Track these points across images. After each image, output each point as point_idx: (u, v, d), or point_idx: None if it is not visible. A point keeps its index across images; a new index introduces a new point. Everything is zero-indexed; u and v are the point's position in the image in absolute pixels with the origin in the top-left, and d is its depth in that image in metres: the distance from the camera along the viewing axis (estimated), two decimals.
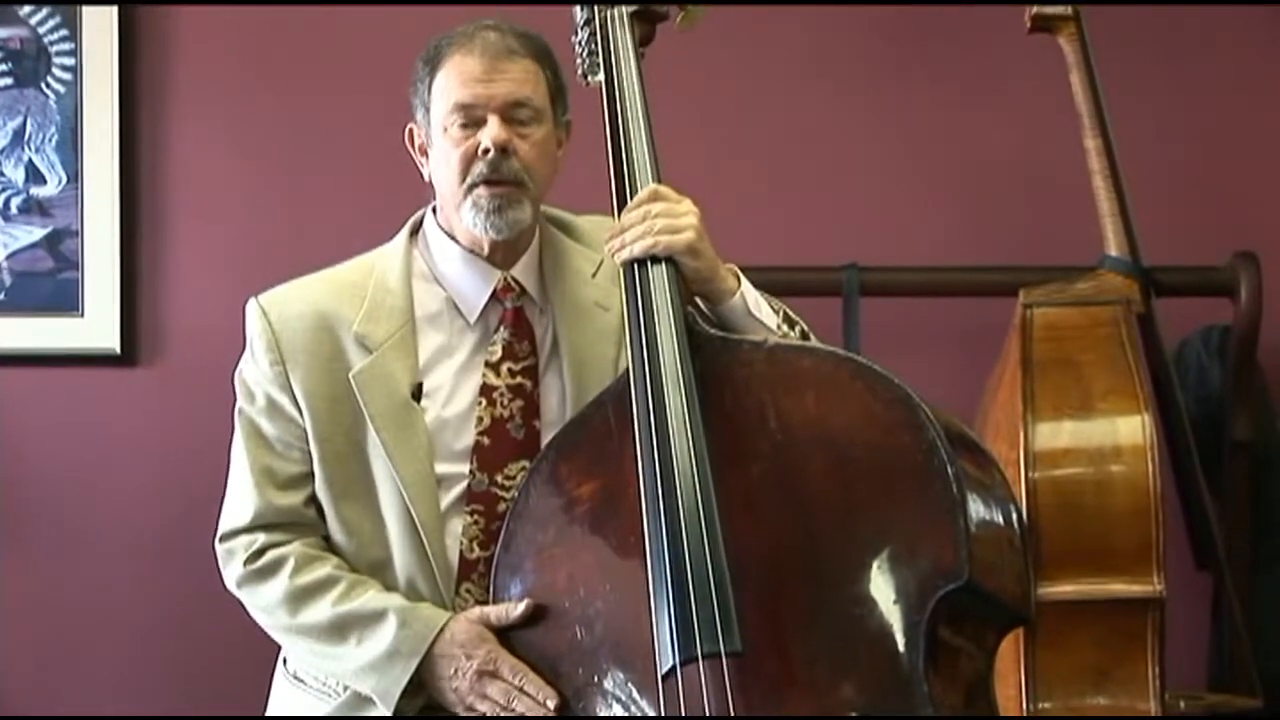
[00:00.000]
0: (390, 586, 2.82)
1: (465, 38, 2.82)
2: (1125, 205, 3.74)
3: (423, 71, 2.85)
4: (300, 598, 2.80)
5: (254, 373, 2.86)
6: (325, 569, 2.81)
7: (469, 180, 2.79)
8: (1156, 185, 4.00)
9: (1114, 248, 3.74)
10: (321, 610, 2.79)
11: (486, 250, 2.86)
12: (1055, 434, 3.48)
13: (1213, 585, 3.93)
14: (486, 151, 2.77)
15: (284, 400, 2.84)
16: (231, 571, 2.86)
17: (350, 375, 2.81)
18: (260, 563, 2.83)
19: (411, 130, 2.91)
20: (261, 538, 2.83)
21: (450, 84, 2.80)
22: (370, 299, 2.85)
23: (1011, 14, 3.82)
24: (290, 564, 2.81)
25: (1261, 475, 3.96)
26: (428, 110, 2.84)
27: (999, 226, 4.14)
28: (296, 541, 2.83)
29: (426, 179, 2.90)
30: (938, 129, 4.17)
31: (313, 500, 2.85)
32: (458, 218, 2.84)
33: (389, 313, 2.84)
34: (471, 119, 2.79)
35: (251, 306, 2.88)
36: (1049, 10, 3.75)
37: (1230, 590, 3.80)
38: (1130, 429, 3.46)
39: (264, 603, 2.84)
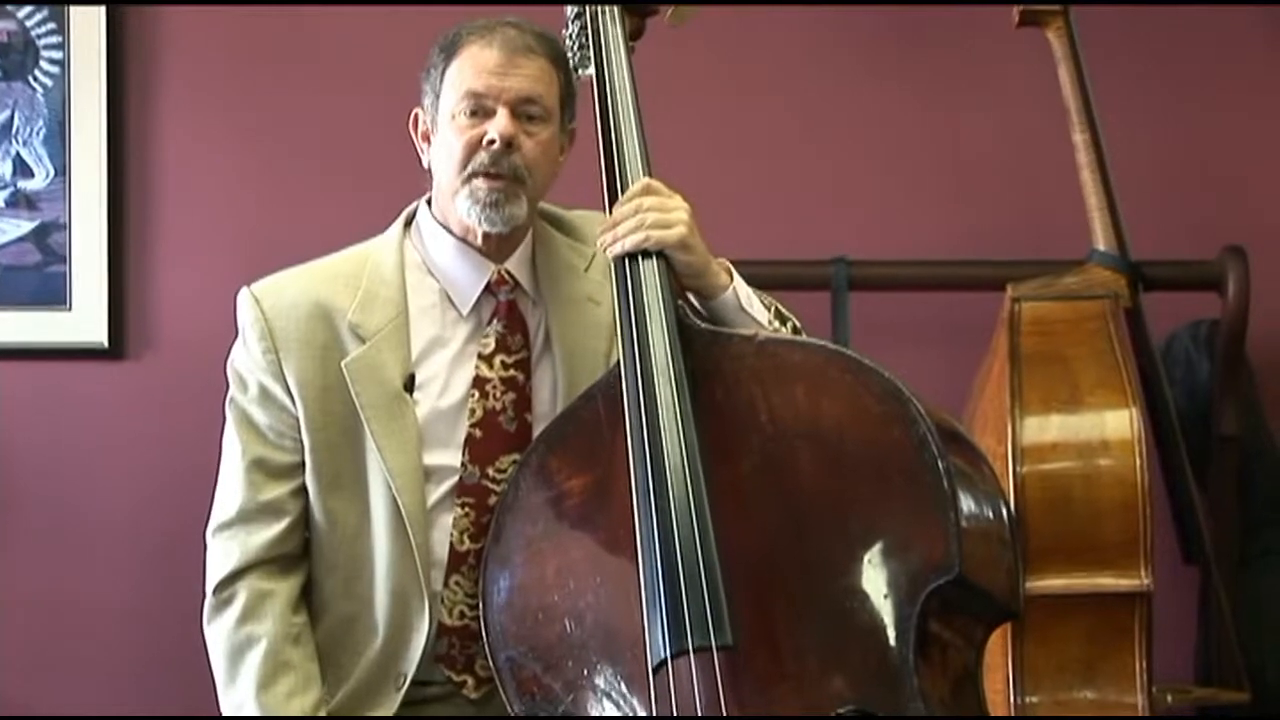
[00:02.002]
0: (371, 578, 2.84)
1: (485, 30, 2.82)
2: (1113, 200, 3.74)
3: (437, 57, 2.85)
4: (235, 655, 2.84)
5: (246, 361, 2.87)
6: (263, 626, 2.83)
7: (469, 169, 2.79)
8: (1144, 180, 4.01)
9: (1102, 242, 3.74)
10: (245, 684, 2.83)
11: (479, 241, 2.86)
12: (1043, 428, 3.48)
13: (1200, 579, 3.94)
14: (491, 143, 2.77)
15: (277, 389, 2.84)
16: (209, 581, 2.89)
17: (343, 364, 2.81)
18: (222, 595, 2.86)
19: (417, 115, 2.91)
20: (235, 552, 2.85)
21: (465, 72, 2.80)
22: (364, 289, 2.85)
23: (1000, 9, 3.82)
24: (237, 608, 2.85)
25: (1249, 469, 3.96)
26: (438, 96, 2.84)
27: (987, 220, 4.14)
28: (252, 574, 2.85)
29: (425, 166, 2.90)
30: (926, 123, 4.17)
31: (301, 491, 2.86)
32: (452, 206, 2.84)
33: (383, 304, 2.84)
34: (481, 108, 2.79)
35: (243, 295, 2.88)
36: (1037, 5, 3.75)
37: (1218, 584, 3.81)
38: (1118, 423, 3.47)
39: (211, 638, 2.88)
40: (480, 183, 2.79)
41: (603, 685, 2.61)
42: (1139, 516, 3.41)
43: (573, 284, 2.91)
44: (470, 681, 2.83)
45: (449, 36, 2.85)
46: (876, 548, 2.51)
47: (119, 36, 4.19)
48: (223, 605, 2.85)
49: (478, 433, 2.83)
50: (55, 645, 4.21)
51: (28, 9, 4.17)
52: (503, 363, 2.85)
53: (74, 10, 4.16)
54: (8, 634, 4.20)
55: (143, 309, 4.21)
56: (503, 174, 2.78)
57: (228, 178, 4.21)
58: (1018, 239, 4.08)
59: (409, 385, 2.83)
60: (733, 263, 2.83)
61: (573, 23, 2.94)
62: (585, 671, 2.62)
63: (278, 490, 2.86)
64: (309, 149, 4.20)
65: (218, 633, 2.85)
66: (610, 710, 2.59)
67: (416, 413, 2.83)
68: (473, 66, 2.80)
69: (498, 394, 2.84)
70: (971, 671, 2.60)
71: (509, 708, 2.68)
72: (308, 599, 2.90)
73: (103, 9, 4.16)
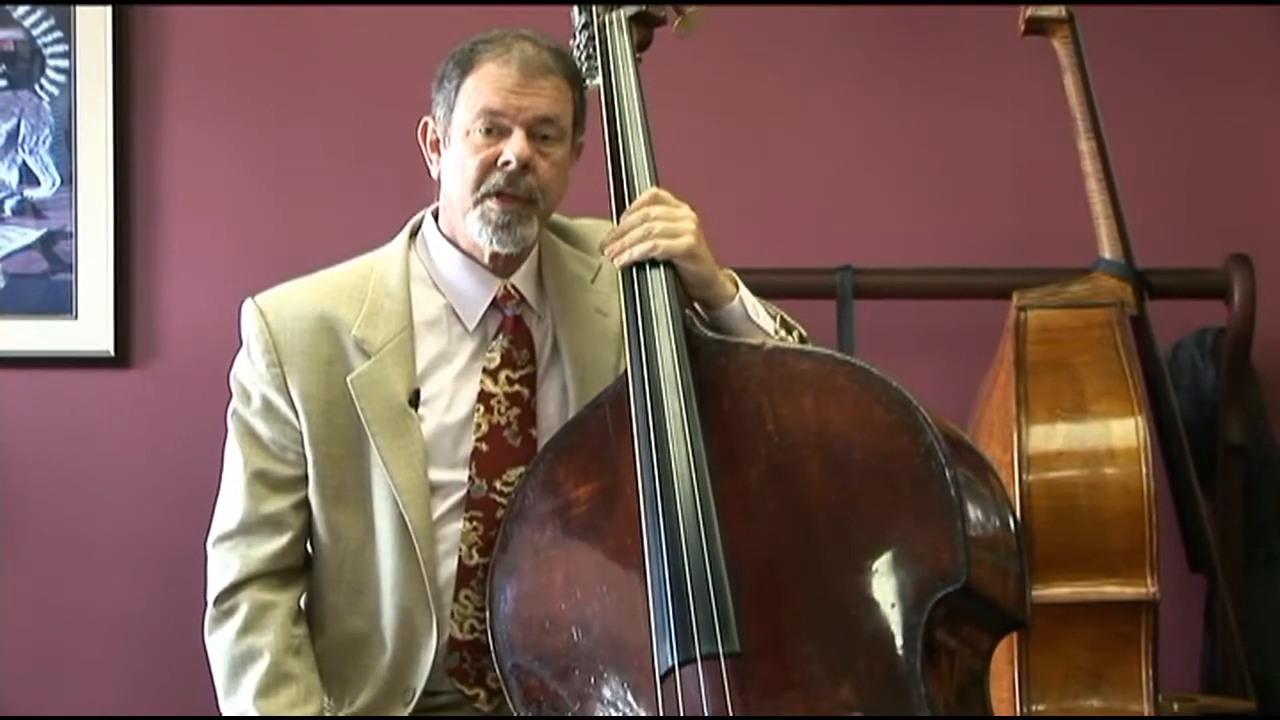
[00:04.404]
0: (378, 594, 2.84)
1: (502, 46, 2.80)
2: (1119, 207, 3.74)
3: (452, 70, 2.83)
4: (238, 666, 2.84)
5: (250, 374, 2.86)
6: (265, 638, 2.83)
7: (483, 189, 2.78)
8: (1150, 187, 4.00)
9: (1108, 250, 3.74)
10: (247, 695, 2.83)
11: (486, 259, 2.85)
12: (1049, 436, 3.48)
13: (1206, 587, 3.94)
14: (507, 164, 2.76)
15: (280, 402, 2.83)
16: (210, 592, 2.89)
17: (348, 380, 2.81)
18: (223, 606, 2.86)
19: (426, 124, 2.89)
20: (235, 565, 2.85)
21: (482, 89, 2.78)
22: (369, 302, 2.84)
23: (1005, 16, 3.82)
24: (240, 618, 2.84)
25: (1255, 477, 3.96)
26: (451, 110, 2.82)
27: (993, 228, 4.14)
28: (253, 586, 2.85)
29: (434, 175, 2.89)
30: (932, 131, 4.17)
31: (303, 504, 2.86)
32: (463, 224, 2.83)
33: (388, 317, 2.84)
34: (497, 127, 2.77)
35: (248, 307, 2.87)
36: (1043, 12, 3.75)
37: (1223, 592, 3.80)
38: (1124, 431, 3.46)
39: (213, 650, 2.88)
40: (493, 204, 2.78)
41: (609, 693, 2.61)
42: (1145, 525, 3.40)
43: (580, 296, 2.91)
44: (482, 694, 2.83)
45: (464, 50, 2.83)
46: (883, 556, 2.52)
47: (125, 45, 4.19)
48: (224, 616, 2.85)
49: (484, 447, 2.82)
50: (59, 653, 4.21)
51: (35, 17, 4.17)
52: (508, 378, 2.85)
53: (80, 18, 4.17)
54: (12, 641, 4.20)
55: (149, 318, 4.21)
56: (518, 195, 2.77)
57: (234, 186, 4.21)
58: (1023, 247, 4.08)
59: (414, 400, 2.82)
60: (738, 270, 2.84)
61: (580, 33, 2.95)
62: (592, 680, 2.62)
63: (280, 503, 2.85)
64: (316, 158, 4.20)
65: (219, 644, 2.85)
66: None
67: (422, 428, 2.82)
68: (490, 84, 2.78)
69: (503, 409, 2.84)
70: (978, 680, 2.61)
71: (515, 715, 2.68)
72: (311, 613, 2.90)
73: (109, 17, 4.15)
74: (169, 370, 4.21)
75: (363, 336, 2.82)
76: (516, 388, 2.84)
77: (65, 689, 4.21)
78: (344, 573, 2.85)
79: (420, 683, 2.82)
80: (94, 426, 4.22)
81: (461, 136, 2.80)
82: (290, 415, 2.83)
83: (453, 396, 2.84)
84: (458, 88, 2.81)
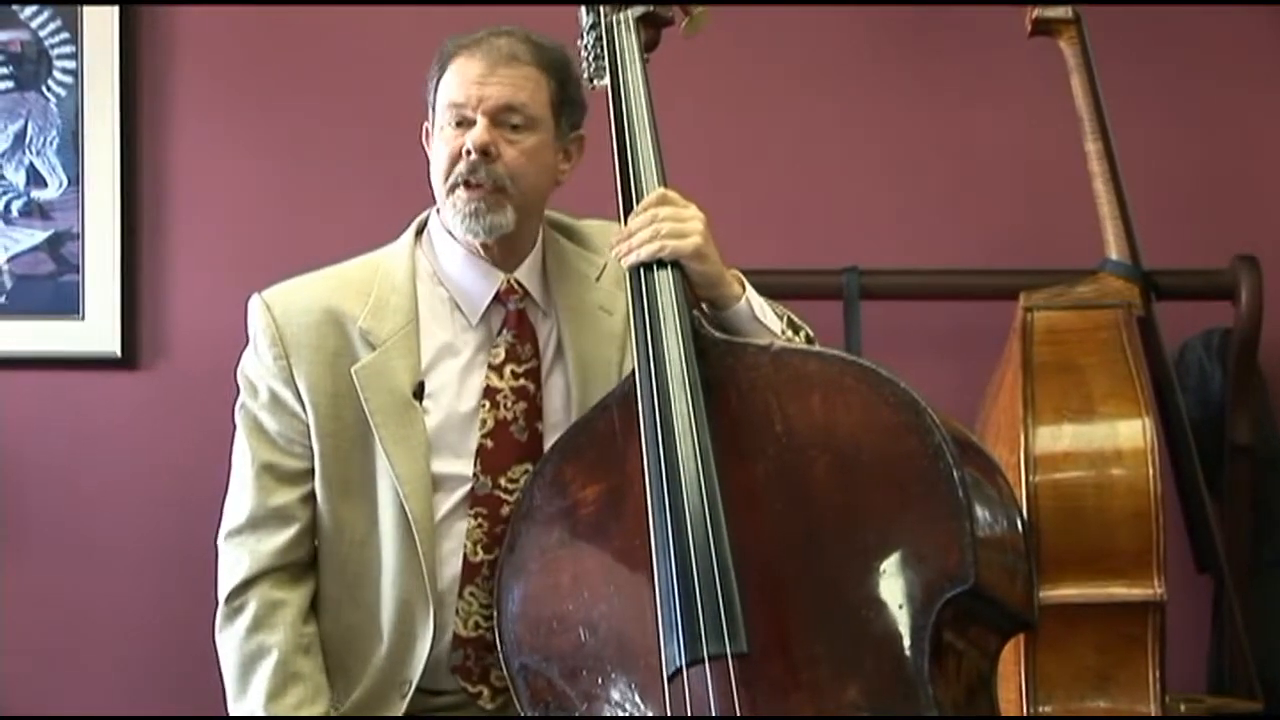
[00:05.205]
0: (377, 586, 2.84)
1: (474, 41, 2.83)
2: (1126, 208, 3.74)
3: (434, 70, 2.86)
4: (247, 665, 2.84)
5: (257, 367, 2.87)
6: (275, 636, 2.83)
7: (450, 180, 2.81)
8: (1157, 188, 4.00)
9: (1115, 251, 3.73)
10: (256, 694, 2.83)
11: (480, 251, 2.86)
12: (1056, 437, 3.48)
13: (1213, 588, 3.93)
14: (469, 153, 2.78)
15: (287, 395, 2.84)
16: (221, 589, 2.89)
17: (353, 370, 2.82)
18: (234, 603, 2.86)
19: (426, 129, 2.92)
20: (245, 561, 2.85)
21: (450, 83, 2.82)
22: (375, 296, 2.85)
23: (1012, 17, 3.82)
24: (248, 617, 2.84)
25: (1262, 478, 3.96)
26: (433, 109, 2.86)
27: (999, 229, 4.13)
28: (264, 583, 2.85)
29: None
30: (939, 132, 4.17)
31: (310, 497, 2.86)
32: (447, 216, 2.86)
33: (393, 310, 2.85)
34: (462, 118, 2.80)
35: (254, 301, 2.89)
36: (1050, 13, 3.75)
37: (1231, 593, 3.80)
38: (1131, 432, 3.46)
39: (223, 647, 2.88)
40: (460, 194, 2.81)
41: (617, 694, 2.62)
42: (1152, 526, 3.40)
43: (584, 293, 2.91)
44: (486, 692, 2.83)
45: (443, 49, 2.87)
46: (891, 557, 2.52)
47: (132, 46, 4.19)
48: (234, 614, 2.85)
49: (489, 443, 2.83)
50: (61, 654, 4.21)
51: (42, 18, 4.18)
52: (513, 372, 2.85)
53: (87, 20, 4.17)
54: (18, 641, 4.20)
55: (156, 319, 4.22)
56: (481, 183, 2.79)
57: (241, 186, 4.21)
58: (1030, 248, 4.08)
59: (418, 393, 2.83)
60: (744, 271, 2.84)
61: (588, 33, 2.95)
62: (600, 680, 2.63)
63: (288, 496, 2.86)
64: (323, 157, 4.20)
65: (229, 642, 2.86)
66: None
67: (426, 421, 2.83)
68: (457, 77, 2.81)
69: (508, 404, 2.84)
70: (986, 681, 2.61)
71: (522, 715, 2.69)
72: (313, 604, 2.90)
73: (116, 18, 4.15)
74: (176, 372, 4.21)
75: (368, 328, 2.83)
76: (522, 382, 2.85)
77: (67, 690, 4.21)
78: (347, 565, 2.86)
79: (416, 675, 2.82)
80: (100, 428, 4.23)
81: (438, 132, 2.84)
82: (297, 408, 2.84)
83: (458, 390, 2.85)
84: (436, 86, 2.85)
